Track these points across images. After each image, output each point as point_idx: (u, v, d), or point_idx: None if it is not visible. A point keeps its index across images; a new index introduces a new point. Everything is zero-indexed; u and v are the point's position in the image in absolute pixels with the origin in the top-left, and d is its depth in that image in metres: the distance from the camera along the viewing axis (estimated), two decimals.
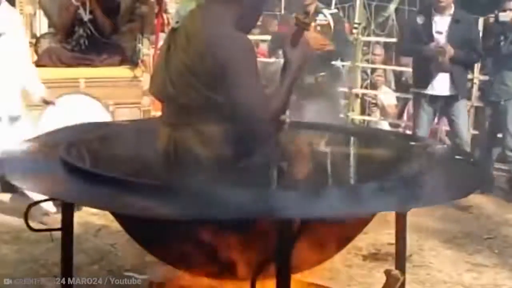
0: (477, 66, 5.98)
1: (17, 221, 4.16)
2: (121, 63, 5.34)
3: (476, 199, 5.16)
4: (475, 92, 6.16)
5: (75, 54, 5.24)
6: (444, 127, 6.09)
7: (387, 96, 7.23)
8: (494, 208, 5.19)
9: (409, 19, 6.67)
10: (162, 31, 5.21)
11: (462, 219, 4.86)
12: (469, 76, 5.81)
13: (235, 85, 2.16)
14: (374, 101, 7.24)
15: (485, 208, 5.15)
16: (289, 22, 4.93)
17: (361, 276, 3.71)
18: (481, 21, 5.87)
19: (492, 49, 5.33)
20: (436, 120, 5.69)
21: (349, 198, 1.97)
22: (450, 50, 5.02)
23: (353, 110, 6.90)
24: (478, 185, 2.51)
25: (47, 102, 4.52)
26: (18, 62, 4.33)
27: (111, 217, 2.99)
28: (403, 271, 2.66)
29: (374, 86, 7.33)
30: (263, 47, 7.56)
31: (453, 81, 5.13)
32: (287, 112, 2.38)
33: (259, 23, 6.46)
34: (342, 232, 2.33)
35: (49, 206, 4.22)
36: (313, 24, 4.86)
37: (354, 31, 6.89)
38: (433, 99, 5.21)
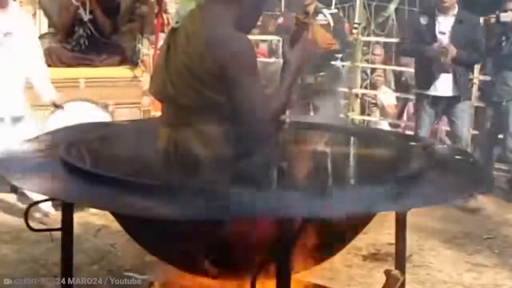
0: (477, 66, 5.97)
1: (17, 221, 4.17)
2: (121, 63, 5.34)
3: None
4: (475, 92, 6.15)
5: (75, 54, 5.23)
6: (444, 127, 6.09)
7: (387, 96, 7.23)
8: (494, 208, 5.18)
9: (412, 19, 6.65)
10: (162, 31, 5.20)
11: (462, 219, 4.85)
12: (469, 76, 5.80)
13: (235, 85, 2.16)
14: (374, 101, 7.24)
15: (485, 208, 5.14)
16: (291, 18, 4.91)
17: (361, 276, 3.71)
18: (482, 21, 5.86)
19: (493, 50, 5.33)
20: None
21: (349, 198, 1.97)
22: (453, 51, 5.01)
23: (353, 110, 6.90)
24: (479, 186, 2.50)
25: (56, 106, 4.50)
26: (28, 62, 4.32)
27: (111, 217, 2.99)
28: (403, 271, 2.66)
29: (374, 86, 7.33)
30: (263, 47, 7.57)
31: (455, 82, 5.13)
32: (287, 112, 2.38)
33: (259, 23, 6.46)
34: (342, 232, 2.33)
35: (48, 208, 4.23)
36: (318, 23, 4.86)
37: (354, 31, 6.90)
38: (436, 100, 5.21)
